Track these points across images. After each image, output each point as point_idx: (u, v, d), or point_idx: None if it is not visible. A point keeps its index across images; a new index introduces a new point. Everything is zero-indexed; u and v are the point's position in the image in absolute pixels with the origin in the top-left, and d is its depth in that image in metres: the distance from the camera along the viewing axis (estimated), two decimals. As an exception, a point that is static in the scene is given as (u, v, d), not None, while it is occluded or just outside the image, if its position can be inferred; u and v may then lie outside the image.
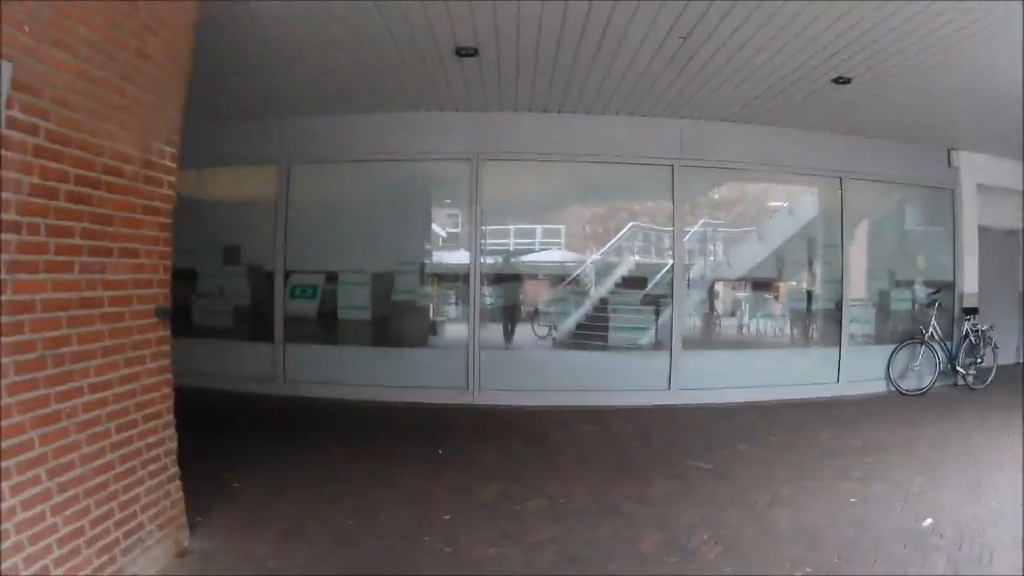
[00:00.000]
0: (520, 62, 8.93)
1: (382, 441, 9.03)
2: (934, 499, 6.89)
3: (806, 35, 7.81)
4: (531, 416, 10.44)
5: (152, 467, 5.07)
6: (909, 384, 12.48)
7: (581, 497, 6.90)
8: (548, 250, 12.97)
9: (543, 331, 12.45)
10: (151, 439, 5.07)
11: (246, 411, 10.49)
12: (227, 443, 8.57)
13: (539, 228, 13.00)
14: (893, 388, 12.47)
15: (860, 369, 12.51)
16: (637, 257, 13.02)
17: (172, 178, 5.32)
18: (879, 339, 13.10)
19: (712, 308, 13.23)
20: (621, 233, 13.01)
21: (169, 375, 5.34)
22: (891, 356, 12.59)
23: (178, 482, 5.44)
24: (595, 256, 13.00)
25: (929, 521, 6.27)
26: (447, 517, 6.31)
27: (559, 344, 12.42)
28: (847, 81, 9.28)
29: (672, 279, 11.68)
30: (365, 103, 10.91)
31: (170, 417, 5.35)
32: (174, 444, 5.39)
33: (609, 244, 13.05)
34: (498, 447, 8.81)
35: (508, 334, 12.20)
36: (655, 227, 12.80)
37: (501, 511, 6.52)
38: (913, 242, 14.14)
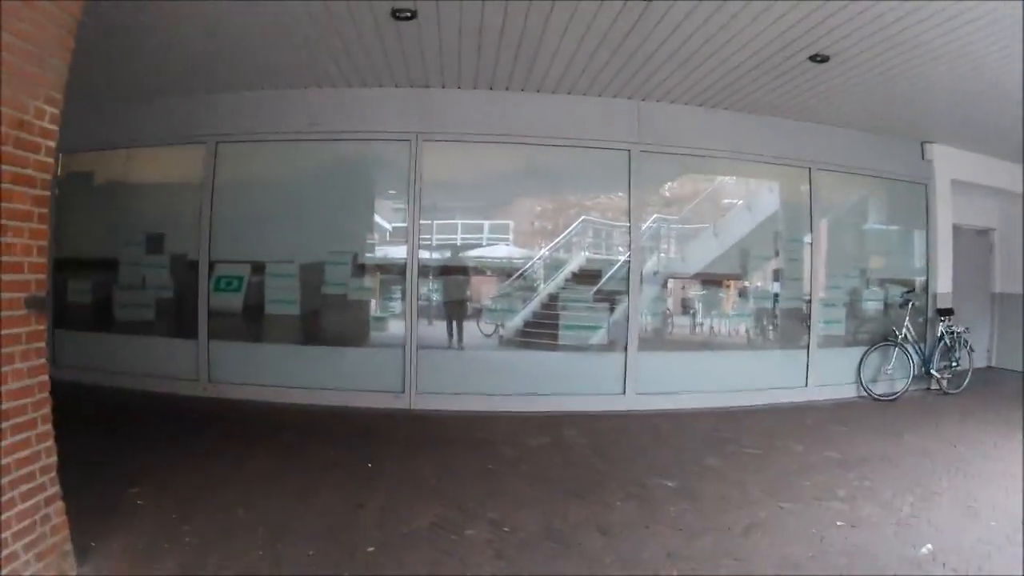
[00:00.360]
0: (463, 28, 8.02)
1: (307, 452, 8.05)
2: (929, 520, 6.21)
3: (781, 4, 7.08)
4: (474, 423, 9.56)
5: (25, 487, 4.24)
6: (881, 388, 11.89)
7: (529, 524, 6.01)
8: (494, 244, 11.88)
9: (489, 329, 11.45)
10: (22, 454, 4.22)
11: (164, 415, 9.54)
12: (138, 452, 7.66)
13: (485, 220, 11.88)
14: (864, 393, 11.84)
15: (830, 372, 11.86)
16: (589, 252, 12.04)
17: (51, 143, 4.44)
18: (849, 341, 12.36)
19: (670, 306, 12.31)
20: (573, 225, 12.04)
21: (45, 377, 4.45)
22: (862, 359, 11.97)
23: (60, 504, 4.57)
24: (545, 250, 11.96)
25: (928, 548, 5.57)
26: (371, 549, 5.40)
27: (506, 343, 11.43)
28: (825, 60, 8.54)
29: (628, 273, 10.87)
30: (298, 77, 10.05)
31: (47, 428, 4.47)
32: (53, 459, 4.51)
33: (560, 236, 12.00)
34: (435, 460, 7.87)
35: (451, 332, 11.25)
36: (609, 219, 11.79)
37: (435, 542, 5.60)
38: (885, 239, 13.50)
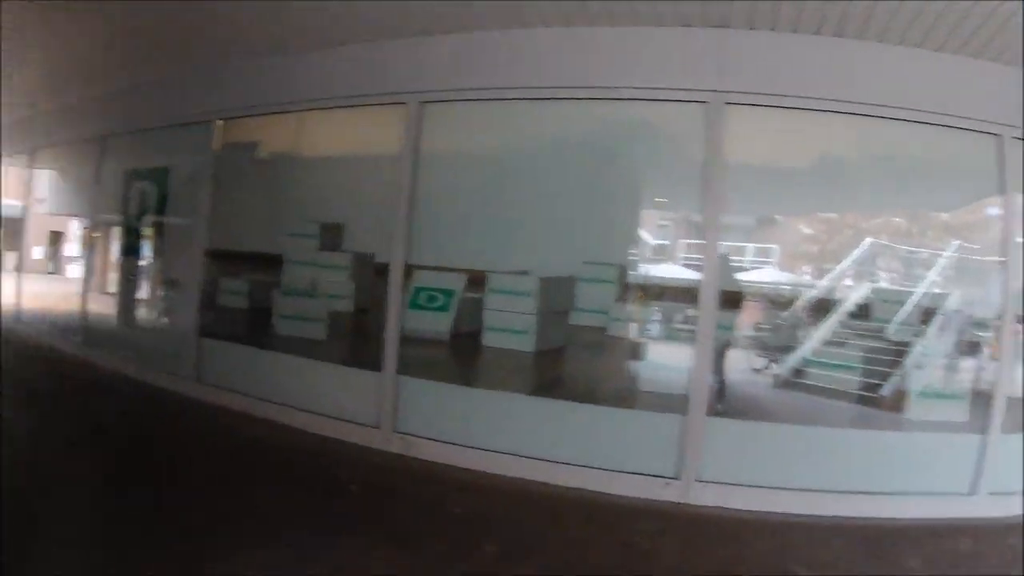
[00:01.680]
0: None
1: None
2: None
3: None
4: (781, 536, 6.20)
5: None
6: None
7: None
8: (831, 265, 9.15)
9: (809, 391, 8.64)
10: None
11: (320, 474, 6.97)
12: (245, 542, 5.06)
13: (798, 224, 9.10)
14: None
15: None
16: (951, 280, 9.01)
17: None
18: None
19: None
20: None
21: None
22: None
23: None
24: (893, 281, 9.38)
25: None
26: None
27: (833, 415, 8.34)
28: None
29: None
30: (539, 12, 7.15)
31: None
32: None
33: (913, 257, 9.20)
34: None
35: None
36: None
37: None
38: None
